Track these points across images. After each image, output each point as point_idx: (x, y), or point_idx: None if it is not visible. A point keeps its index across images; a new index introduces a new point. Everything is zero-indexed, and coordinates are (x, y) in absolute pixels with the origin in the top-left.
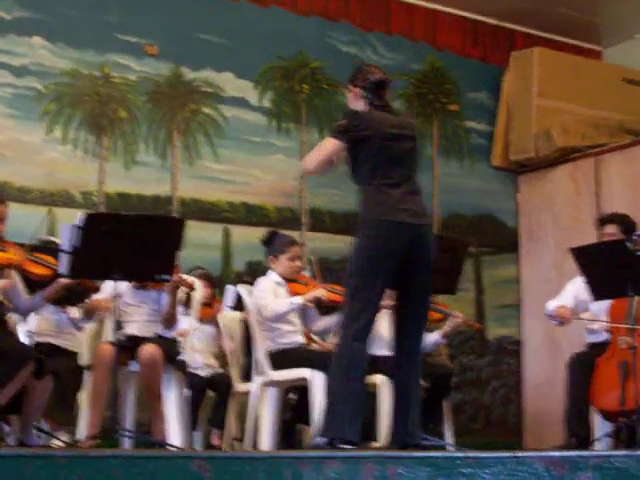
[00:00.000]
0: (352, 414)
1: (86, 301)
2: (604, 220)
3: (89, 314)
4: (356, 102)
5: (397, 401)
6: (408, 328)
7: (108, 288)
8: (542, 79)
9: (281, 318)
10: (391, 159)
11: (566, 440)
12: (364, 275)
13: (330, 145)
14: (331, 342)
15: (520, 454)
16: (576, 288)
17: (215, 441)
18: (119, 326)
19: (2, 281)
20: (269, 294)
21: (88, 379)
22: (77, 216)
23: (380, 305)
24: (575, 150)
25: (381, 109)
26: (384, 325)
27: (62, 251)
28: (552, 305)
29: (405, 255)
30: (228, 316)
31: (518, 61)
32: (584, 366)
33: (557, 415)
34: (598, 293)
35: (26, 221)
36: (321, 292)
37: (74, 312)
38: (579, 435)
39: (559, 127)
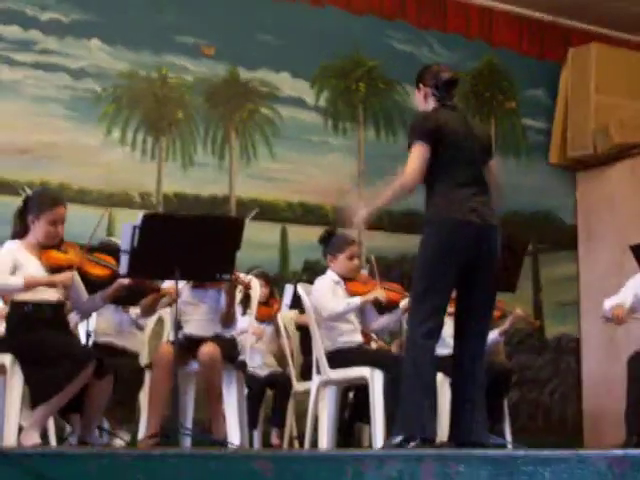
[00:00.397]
0: (429, 412)
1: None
2: None
3: (149, 309)
4: (425, 101)
5: (457, 400)
6: (471, 329)
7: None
8: (599, 75)
9: (339, 318)
10: (462, 159)
11: (627, 438)
12: (433, 275)
13: (422, 151)
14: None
15: (582, 452)
16: (637, 284)
17: (274, 440)
18: (178, 326)
19: (64, 275)
20: (327, 293)
21: (148, 379)
22: (136, 217)
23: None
24: (634, 146)
25: (451, 109)
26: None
27: (122, 251)
28: (608, 305)
29: (472, 255)
30: (287, 315)
31: (575, 57)
32: None
33: (617, 414)
34: None
35: (85, 222)
36: (380, 293)
37: (133, 311)
38: (639, 433)
39: (617, 123)
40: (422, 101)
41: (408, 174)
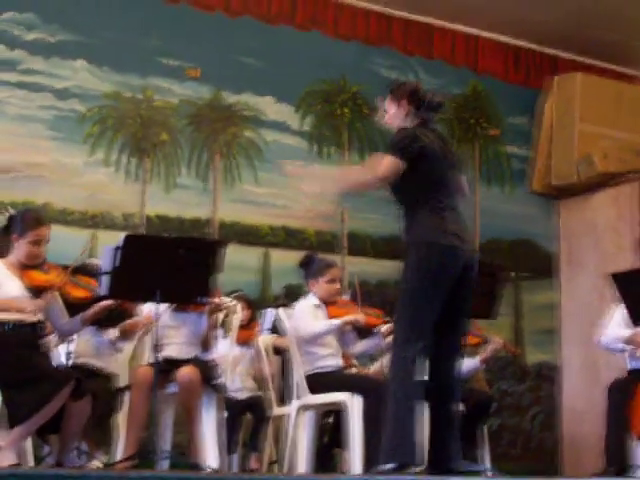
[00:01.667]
0: (413, 437)
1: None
2: None
3: (127, 334)
4: (404, 119)
5: (435, 426)
6: (447, 354)
7: (147, 310)
8: (584, 104)
9: (318, 338)
10: (443, 182)
11: (605, 467)
12: (424, 298)
13: (397, 165)
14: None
15: None
16: (619, 321)
17: (253, 464)
18: (158, 348)
19: (39, 301)
20: (307, 315)
21: (126, 401)
22: (118, 238)
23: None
24: (616, 175)
25: (432, 130)
26: None
27: (103, 273)
28: (619, 333)
29: (455, 280)
30: (266, 339)
31: (560, 86)
32: (624, 392)
33: (596, 442)
34: (638, 318)
35: (67, 243)
36: (359, 316)
37: (112, 333)
38: (619, 463)
39: (600, 152)
40: (401, 118)
41: (380, 176)
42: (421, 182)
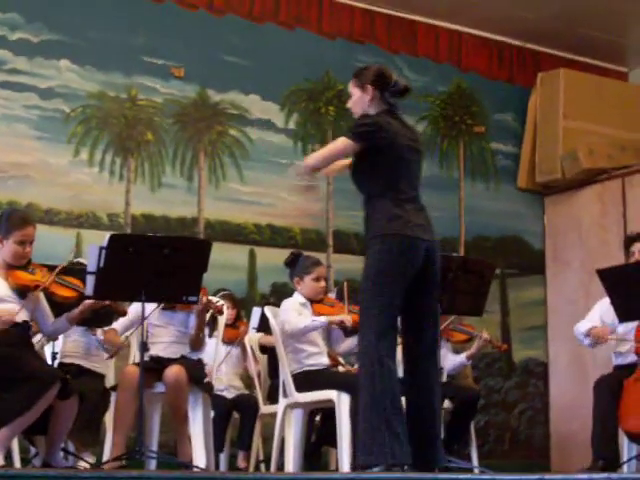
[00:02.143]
0: (403, 437)
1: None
2: (632, 239)
3: (112, 344)
4: (369, 104)
5: (415, 423)
6: (423, 350)
7: (134, 309)
8: (568, 100)
9: (302, 334)
10: (406, 172)
11: (593, 463)
12: (390, 291)
13: (341, 145)
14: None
15: (547, 476)
16: (603, 309)
17: (241, 463)
18: (145, 347)
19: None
20: (293, 312)
21: (113, 401)
22: (103, 238)
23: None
24: (601, 171)
25: (396, 118)
26: None
27: (88, 273)
28: (583, 327)
29: (419, 272)
30: (254, 338)
31: (544, 82)
32: (611, 388)
33: (584, 437)
34: (625, 314)
35: (53, 243)
36: (346, 317)
37: (100, 334)
38: (606, 457)
39: (585, 148)
40: (365, 103)
41: (311, 157)
42: (383, 172)
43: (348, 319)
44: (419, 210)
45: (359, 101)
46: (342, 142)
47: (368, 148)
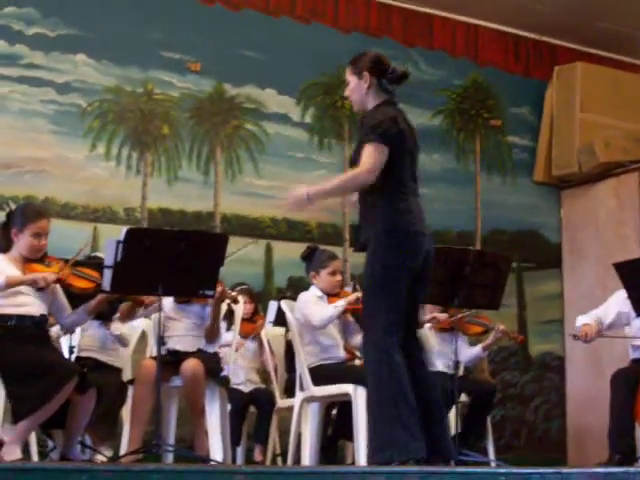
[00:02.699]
0: (419, 430)
1: (117, 332)
2: None
3: (127, 314)
4: (367, 92)
5: (426, 419)
6: (416, 344)
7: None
8: (585, 94)
9: (329, 322)
10: (412, 167)
11: (610, 457)
12: (394, 288)
13: (384, 153)
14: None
15: (564, 470)
16: (619, 301)
17: (258, 457)
18: (162, 341)
19: (46, 273)
20: (312, 305)
21: (131, 394)
22: (120, 232)
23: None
24: (618, 165)
25: (397, 109)
26: (425, 341)
27: (105, 266)
28: (580, 322)
29: (420, 266)
30: (270, 332)
31: (561, 76)
32: (628, 382)
33: (601, 431)
34: None
35: (70, 237)
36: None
37: (116, 328)
38: (623, 452)
39: (602, 142)
40: (363, 90)
41: (366, 170)
42: (392, 166)
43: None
44: (419, 203)
45: (356, 89)
46: (379, 150)
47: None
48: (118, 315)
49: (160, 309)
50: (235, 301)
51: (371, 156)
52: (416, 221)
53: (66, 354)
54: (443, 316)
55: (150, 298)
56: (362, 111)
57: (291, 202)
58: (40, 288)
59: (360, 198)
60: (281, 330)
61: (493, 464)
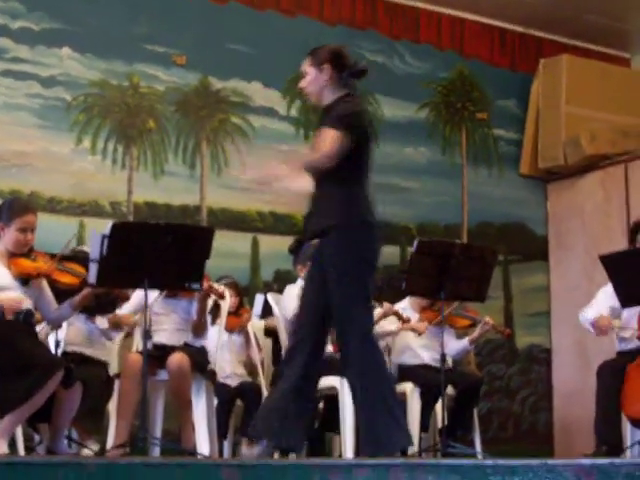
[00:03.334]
0: (399, 420)
1: (110, 315)
2: (638, 225)
3: (115, 326)
4: (323, 84)
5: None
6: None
7: (137, 297)
8: (570, 86)
9: None
10: (369, 159)
11: (597, 448)
12: (367, 284)
13: (345, 141)
14: None
15: (550, 462)
16: (607, 296)
17: (245, 450)
18: (149, 335)
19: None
20: (294, 299)
21: (117, 388)
22: (106, 226)
23: None
24: (604, 157)
25: (355, 99)
26: (411, 334)
27: (91, 261)
28: (590, 315)
29: None
30: (257, 325)
31: (546, 68)
32: (614, 374)
33: (587, 423)
34: (627, 300)
35: (56, 231)
36: None
37: (102, 322)
38: (610, 443)
39: (588, 134)
40: (321, 83)
41: (326, 154)
42: (355, 158)
43: None
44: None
45: (314, 81)
46: (340, 137)
47: (353, 141)
48: (108, 326)
49: (146, 305)
50: (222, 297)
51: (333, 142)
52: (371, 213)
53: (52, 348)
54: (422, 326)
55: (129, 321)
56: (318, 103)
57: (293, 172)
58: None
59: (316, 187)
60: (268, 323)
61: (480, 456)
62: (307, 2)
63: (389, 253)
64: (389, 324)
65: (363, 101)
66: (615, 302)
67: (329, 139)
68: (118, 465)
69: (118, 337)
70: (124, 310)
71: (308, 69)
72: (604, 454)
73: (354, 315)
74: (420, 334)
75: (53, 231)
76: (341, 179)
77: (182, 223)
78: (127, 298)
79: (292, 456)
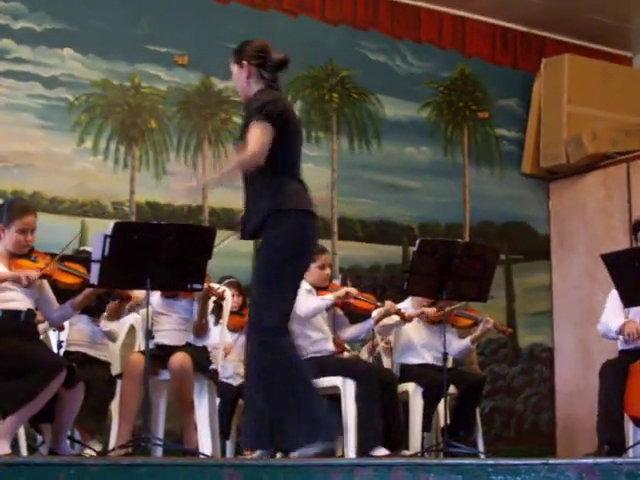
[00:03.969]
0: (316, 413)
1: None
2: None
3: (115, 313)
4: (247, 80)
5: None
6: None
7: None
8: (572, 85)
9: (314, 314)
10: (298, 146)
11: (599, 447)
12: (294, 272)
13: (270, 131)
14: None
15: (552, 461)
16: (616, 297)
17: (247, 450)
18: (150, 335)
19: (29, 271)
20: (300, 297)
21: (119, 388)
22: (108, 226)
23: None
24: (606, 156)
25: (278, 91)
26: (414, 333)
27: (93, 260)
28: (615, 324)
29: None
30: None
31: (548, 68)
32: (617, 373)
33: (590, 422)
34: (629, 299)
35: (57, 232)
36: (351, 289)
37: (104, 324)
38: (612, 442)
39: (590, 133)
40: (244, 80)
41: (255, 151)
42: (282, 147)
43: (353, 290)
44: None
45: (238, 78)
46: (266, 128)
47: (278, 128)
48: (106, 314)
49: (148, 304)
50: (221, 298)
51: (257, 137)
52: (305, 201)
53: (55, 349)
54: (432, 311)
55: (136, 295)
56: (246, 98)
57: (184, 193)
58: (25, 285)
59: (246, 184)
60: None
61: (482, 456)
62: (309, 2)
63: (391, 252)
64: (389, 321)
65: (281, 93)
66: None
67: (255, 134)
68: (120, 465)
69: (121, 337)
70: (125, 313)
71: (232, 67)
72: (606, 453)
73: (264, 314)
74: (411, 319)
75: (55, 231)
76: (270, 172)
77: (184, 223)
78: (129, 298)
79: (294, 455)
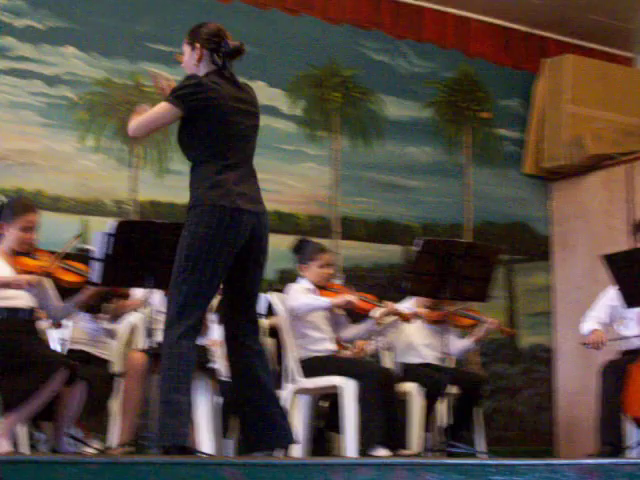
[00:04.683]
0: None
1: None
2: None
3: (117, 314)
4: (197, 64)
5: (252, 404)
6: (247, 328)
7: (138, 295)
8: (574, 86)
9: (306, 311)
10: (231, 137)
11: (599, 448)
12: (200, 268)
13: (164, 111)
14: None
15: (553, 462)
16: (608, 297)
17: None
18: (150, 334)
19: (30, 275)
20: (299, 292)
21: (121, 387)
22: (110, 224)
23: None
24: (607, 157)
25: (226, 80)
26: (415, 333)
27: (94, 259)
28: (586, 329)
29: (242, 245)
30: (261, 324)
31: (550, 68)
32: (617, 373)
33: (590, 423)
34: (630, 300)
35: (59, 230)
36: (352, 297)
37: (105, 320)
38: (612, 443)
39: (591, 134)
40: (193, 62)
41: (136, 124)
42: (208, 136)
43: (354, 298)
44: (246, 178)
45: (188, 59)
46: (163, 107)
47: (191, 110)
48: (108, 317)
49: (149, 302)
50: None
51: (149, 114)
52: (231, 197)
53: (57, 347)
54: (424, 312)
55: (136, 295)
56: None
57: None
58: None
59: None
60: (270, 322)
61: (483, 456)
62: (311, 1)
63: (392, 252)
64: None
65: (227, 82)
66: (615, 302)
67: (151, 111)
68: (121, 464)
69: (122, 335)
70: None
71: (184, 47)
72: (607, 454)
73: (168, 303)
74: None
75: (57, 230)
76: (198, 163)
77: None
78: (127, 295)
79: (296, 454)
